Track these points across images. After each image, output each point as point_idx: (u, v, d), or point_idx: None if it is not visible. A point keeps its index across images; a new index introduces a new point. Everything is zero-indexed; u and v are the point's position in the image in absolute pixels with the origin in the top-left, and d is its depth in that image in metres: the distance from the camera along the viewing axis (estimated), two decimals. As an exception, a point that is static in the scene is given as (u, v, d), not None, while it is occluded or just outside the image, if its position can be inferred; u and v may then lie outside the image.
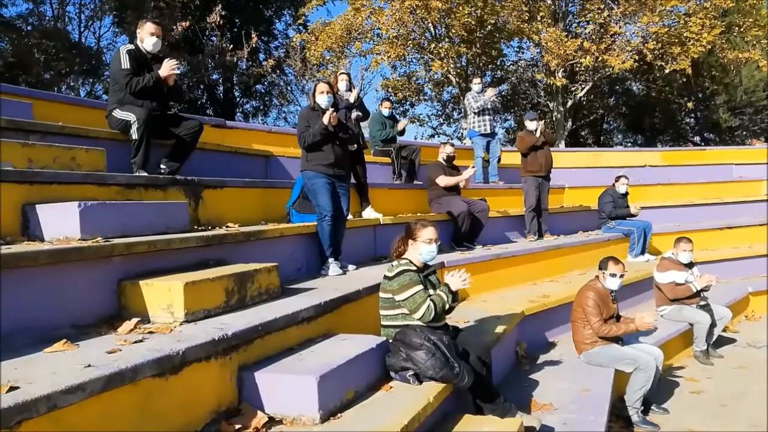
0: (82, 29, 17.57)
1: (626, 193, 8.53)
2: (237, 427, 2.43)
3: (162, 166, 4.67)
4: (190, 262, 3.37)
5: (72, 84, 17.46)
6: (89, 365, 2.06)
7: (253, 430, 2.45)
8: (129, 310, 2.85)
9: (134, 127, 4.36)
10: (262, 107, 25.46)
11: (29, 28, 17.20)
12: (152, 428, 2.18)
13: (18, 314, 2.42)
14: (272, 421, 2.54)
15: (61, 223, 3.02)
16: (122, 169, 4.24)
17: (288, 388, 2.58)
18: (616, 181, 8.57)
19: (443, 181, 6.85)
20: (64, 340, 2.36)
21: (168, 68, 4.63)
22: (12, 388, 1.81)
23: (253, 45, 17.22)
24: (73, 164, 3.75)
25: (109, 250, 2.82)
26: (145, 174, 4.24)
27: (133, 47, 4.64)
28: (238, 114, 24.34)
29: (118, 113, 4.52)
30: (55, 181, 3.29)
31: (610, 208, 8.37)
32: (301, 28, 20.51)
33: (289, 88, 22.83)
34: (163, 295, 2.80)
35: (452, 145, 7.51)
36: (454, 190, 6.96)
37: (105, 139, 4.51)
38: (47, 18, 17.43)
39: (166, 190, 4.13)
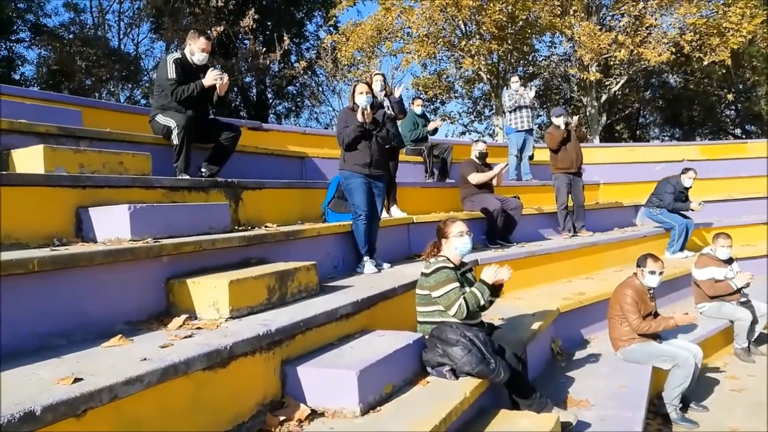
0: (121, 36, 18.10)
1: (689, 187, 8.12)
2: (281, 418, 2.54)
3: (202, 170, 4.84)
4: (232, 261, 3.50)
5: (112, 90, 18.00)
6: (145, 359, 2.19)
7: (297, 422, 2.55)
8: (177, 307, 2.99)
9: (175, 133, 4.54)
10: (294, 108, 25.79)
11: (71, 36, 17.80)
12: (203, 418, 2.30)
13: (77, 311, 2.58)
14: (314, 414, 2.64)
15: (112, 224, 3.19)
16: (166, 173, 4.42)
17: (329, 381, 2.68)
18: (683, 173, 8.12)
19: (475, 178, 6.87)
20: (120, 336, 2.51)
21: (211, 78, 4.75)
22: (77, 380, 1.95)
23: (285, 47, 17.48)
24: (121, 168, 3.93)
25: (159, 250, 2.97)
26: (188, 177, 4.40)
27: (180, 56, 4.79)
28: (271, 115, 24.71)
29: (161, 119, 4.70)
30: (106, 185, 3.47)
31: (670, 199, 7.96)
32: (331, 29, 20.71)
33: (320, 89, 23.08)
34: (209, 293, 2.93)
35: (484, 142, 7.52)
36: (487, 187, 6.98)
37: (149, 144, 4.71)
38: (88, 26, 17.99)
39: (208, 192, 4.29)
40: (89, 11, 17.92)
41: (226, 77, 4.85)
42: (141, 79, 19.19)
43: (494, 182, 7.06)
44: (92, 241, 3.20)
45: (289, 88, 24.07)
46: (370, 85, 5.01)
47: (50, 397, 1.78)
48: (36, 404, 1.72)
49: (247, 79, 20.98)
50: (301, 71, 18.91)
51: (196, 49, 4.81)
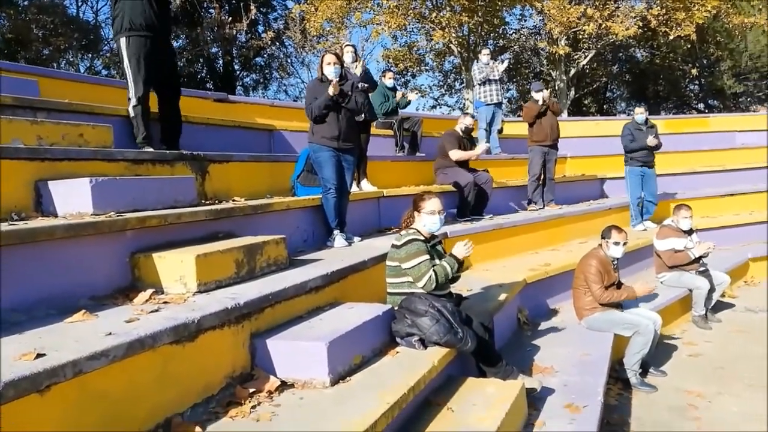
0: (79, 4, 17.39)
1: (646, 122, 8.03)
2: (251, 390, 2.55)
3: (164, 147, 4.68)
4: (199, 235, 3.46)
5: (71, 59, 17.35)
6: (110, 333, 2.16)
7: (267, 393, 2.56)
8: (143, 281, 2.94)
9: (131, 105, 4.37)
10: (262, 80, 25.30)
11: (26, 2, 17.00)
12: (171, 392, 2.29)
13: (38, 287, 2.52)
14: (284, 385, 2.65)
15: (73, 198, 3.10)
16: (129, 145, 4.32)
17: (299, 353, 2.69)
18: (633, 111, 8.21)
19: (456, 155, 6.81)
20: (84, 311, 2.46)
21: None
22: (39, 355, 1.91)
23: (252, 17, 17.06)
24: (81, 141, 3.81)
25: (123, 224, 2.91)
26: (152, 150, 4.30)
27: None
28: (239, 87, 24.22)
29: (125, 53, 4.36)
30: (65, 158, 3.36)
31: (626, 141, 7.98)
32: (300, -2, 20.25)
33: (289, 61, 22.68)
34: (176, 267, 2.89)
35: (473, 117, 7.47)
36: (463, 162, 6.95)
37: (110, 116, 4.57)
38: (44, -8, 17.20)
39: (173, 165, 4.19)
40: (45, -24, 17.07)
41: None
42: (101, 49, 18.54)
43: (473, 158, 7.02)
44: (53, 216, 3.11)
45: (256, 59, 23.58)
46: (339, 56, 4.94)
47: (12, 372, 1.74)
48: (-3, 380, 1.69)
49: (213, 50, 20.45)
50: (269, 42, 18.51)
51: None
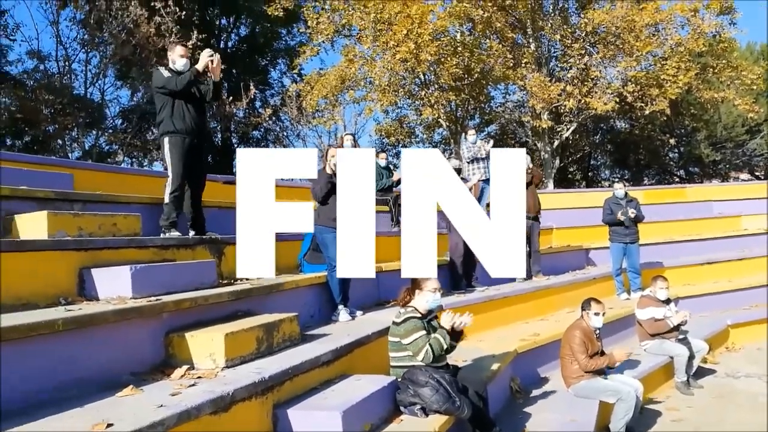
0: (87, 86, 18.22)
1: (625, 195, 8.44)
2: (275, 456, 2.90)
3: (191, 232, 5.12)
4: (222, 314, 3.87)
5: (75, 137, 18.04)
6: (161, 405, 2.55)
7: (288, 459, 2.91)
8: (176, 358, 3.33)
9: (167, 193, 4.86)
10: (259, 153, 26.10)
11: (34, 83, 17.80)
12: (210, 457, 2.64)
13: (88, 364, 2.90)
14: (303, 451, 3.00)
15: (114, 284, 3.53)
16: (154, 231, 4.77)
17: (316, 422, 3.06)
18: (612, 186, 8.68)
19: None
20: (131, 386, 2.84)
21: (205, 57, 4.92)
22: (109, 425, 2.29)
23: (251, 95, 18.01)
24: (115, 229, 4.26)
25: (161, 307, 3.33)
26: (178, 234, 4.75)
27: (166, 68, 5.01)
28: (235, 161, 24.95)
29: (167, 148, 4.89)
30: (105, 247, 3.81)
31: (605, 215, 8.44)
32: (296, 76, 21.42)
33: (285, 134, 23.59)
34: (207, 345, 3.29)
35: (458, 159, 7.93)
36: None
37: (137, 204, 5.05)
38: (53, 74, 18.10)
39: (194, 248, 4.65)
40: (54, 59, 18.03)
41: (217, 56, 4.99)
42: (106, 126, 19.33)
43: (472, 192, 7.42)
44: (95, 299, 3.53)
45: (253, 132, 24.52)
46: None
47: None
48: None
49: (213, 125, 21.34)
50: (267, 118, 19.44)
51: (176, 58, 5.00)
